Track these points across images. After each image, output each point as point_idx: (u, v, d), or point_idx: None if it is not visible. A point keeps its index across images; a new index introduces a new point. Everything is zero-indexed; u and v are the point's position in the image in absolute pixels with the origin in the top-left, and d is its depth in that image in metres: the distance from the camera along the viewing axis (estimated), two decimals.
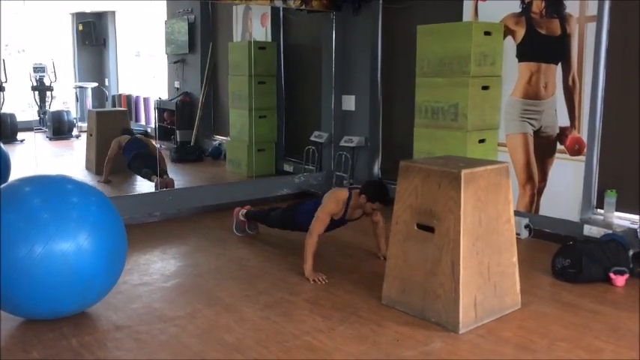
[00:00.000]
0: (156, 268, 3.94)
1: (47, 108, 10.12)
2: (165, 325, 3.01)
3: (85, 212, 2.92)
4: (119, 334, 2.92)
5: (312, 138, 6.44)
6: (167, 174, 6.22)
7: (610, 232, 4.03)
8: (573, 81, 4.30)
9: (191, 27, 8.37)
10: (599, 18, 4.12)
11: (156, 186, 5.80)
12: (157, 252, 4.31)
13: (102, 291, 3.05)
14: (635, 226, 3.99)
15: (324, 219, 3.75)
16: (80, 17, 10.96)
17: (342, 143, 6.13)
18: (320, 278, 3.64)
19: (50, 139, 9.56)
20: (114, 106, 9.65)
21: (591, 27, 4.17)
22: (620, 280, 3.54)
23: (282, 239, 4.58)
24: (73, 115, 10.11)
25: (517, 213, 4.47)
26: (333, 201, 3.81)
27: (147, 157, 6.24)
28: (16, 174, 5.20)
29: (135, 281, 3.67)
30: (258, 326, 3.02)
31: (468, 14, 4.95)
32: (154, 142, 7.26)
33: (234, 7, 7.64)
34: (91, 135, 7.13)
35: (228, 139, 7.48)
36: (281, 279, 3.70)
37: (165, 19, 8.96)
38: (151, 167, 6.08)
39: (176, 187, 5.98)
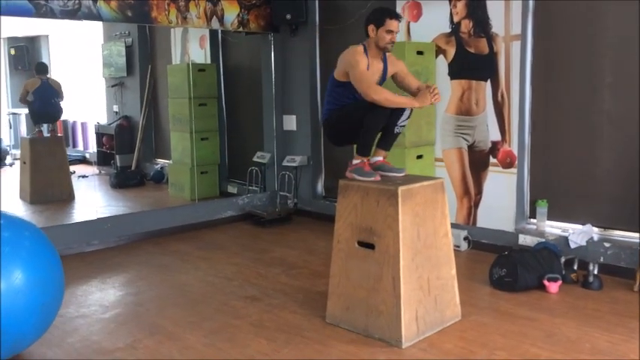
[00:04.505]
0: (94, 299, 3.82)
1: None
2: (103, 359, 2.91)
3: (18, 247, 2.79)
4: None
5: (255, 159, 6.43)
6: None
7: (543, 240, 4.20)
8: (502, 97, 4.49)
9: (129, 50, 8.24)
10: (523, 36, 4.33)
11: None
12: (95, 282, 4.18)
13: (38, 330, 2.89)
14: (566, 234, 4.18)
15: (363, 72, 3.08)
16: (12, 42, 10.62)
17: (285, 163, 6.15)
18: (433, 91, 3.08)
19: None
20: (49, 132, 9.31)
21: (516, 45, 4.37)
22: (553, 287, 3.68)
23: (226, 263, 4.54)
24: (6, 142, 9.73)
25: (456, 226, 4.60)
26: (351, 54, 3.14)
27: None
28: None
29: (71, 314, 3.54)
30: (201, 354, 2.97)
31: (401, 34, 5.10)
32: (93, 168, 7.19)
33: (172, 29, 7.58)
34: (24, 163, 6.88)
35: (170, 162, 7.37)
36: (225, 303, 3.66)
37: (102, 42, 8.79)
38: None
39: (116, 213, 5.83)
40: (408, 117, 3.21)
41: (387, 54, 3.28)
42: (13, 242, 2.79)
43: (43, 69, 6.46)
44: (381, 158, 3.34)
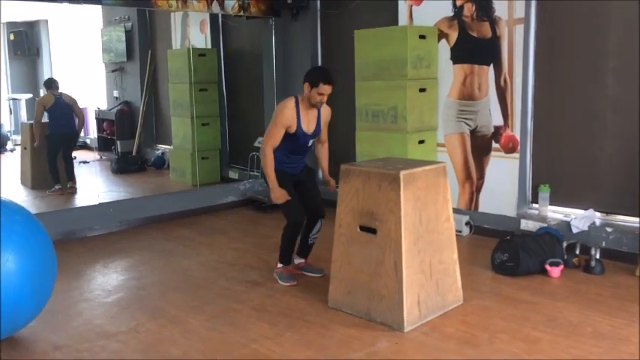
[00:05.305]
0: (97, 284, 3.83)
1: None
2: (106, 342, 2.93)
3: (9, 232, 2.79)
4: (58, 354, 2.82)
5: (257, 144, 6.40)
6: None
7: (545, 225, 4.20)
8: (505, 81, 4.46)
9: (129, 34, 8.18)
10: (526, 20, 4.30)
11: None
12: (98, 266, 4.19)
13: (31, 312, 2.92)
14: (568, 219, 4.17)
15: (273, 130, 3.52)
16: (11, 27, 10.55)
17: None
18: (283, 198, 3.54)
19: None
20: None
21: (519, 29, 4.34)
22: (555, 272, 3.69)
23: (227, 248, 4.54)
24: (7, 128, 9.71)
25: (457, 211, 4.60)
26: (280, 110, 3.55)
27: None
28: None
29: (75, 298, 3.55)
30: (204, 337, 2.98)
31: (403, 18, 5.06)
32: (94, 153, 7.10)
33: (172, 13, 7.53)
34: (25, 148, 6.86)
35: (171, 147, 7.35)
36: (227, 288, 3.67)
37: (102, 26, 8.73)
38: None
39: (118, 199, 5.84)
40: (318, 231, 3.80)
41: None
42: (4, 227, 2.79)
43: (53, 85, 6.17)
44: (303, 260, 3.93)
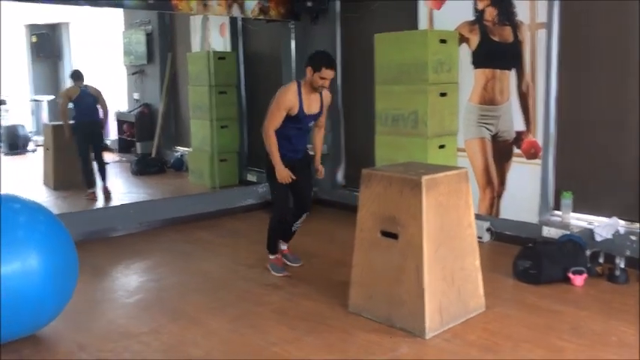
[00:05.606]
0: (119, 284, 3.86)
1: (1, 122, 9.84)
2: (129, 342, 2.95)
3: (33, 231, 2.84)
4: (82, 354, 2.85)
5: None
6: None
7: (567, 232, 4.15)
8: (527, 86, 4.42)
9: (149, 37, 8.27)
10: (549, 24, 4.26)
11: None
12: (119, 267, 4.23)
13: (53, 312, 2.95)
14: (592, 227, 4.12)
15: (275, 113, 3.65)
16: (34, 29, 10.71)
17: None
18: (287, 178, 3.70)
19: (5, 154, 9.29)
20: None
21: (542, 33, 4.30)
22: (578, 280, 3.64)
23: (246, 251, 4.55)
24: (29, 129, 9.85)
25: (478, 217, 4.55)
26: (283, 93, 3.67)
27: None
28: None
29: (97, 298, 3.58)
30: (225, 339, 2.99)
31: (424, 22, 5.04)
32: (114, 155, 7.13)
33: (192, 17, 7.58)
34: (47, 149, 6.95)
35: (190, 150, 7.40)
36: (247, 290, 3.68)
37: (123, 29, 8.83)
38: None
39: (137, 200, 5.88)
40: (302, 221, 3.99)
41: None
42: (27, 227, 2.84)
43: (79, 76, 6.21)
44: (285, 248, 4.15)
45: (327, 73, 3.60)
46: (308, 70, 3.63)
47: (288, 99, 3.64)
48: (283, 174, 3.70)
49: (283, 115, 3.65)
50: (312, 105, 3.74)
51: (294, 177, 3.72)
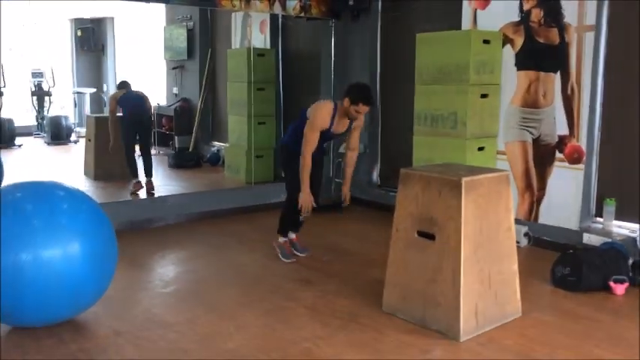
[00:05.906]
0: (155, 274, 3.93)
1: (45, 113, 10.14)
2: (164, 331, 2.99)
3: (75, 219, 2.90)
4: (119, 339, 2.90)
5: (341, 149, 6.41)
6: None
7: (609, 240, 4.03)
8: (572, 90, 4.32)
9: (190, 33, 8.39)
10: (597, 27, 4.15)
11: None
12: (156, 257, 4.30)
13: (92, 297, 3.02)
14: (635, 235, 4.00)
15: (310, 136, 3.77)
16: (79, 23, 11.00)
17: (342, 150, 6.11)
18: (309, 205, 3.82)
19: (48, 144, 9.56)
20: None
21: (589, 36, 4.19)
22: (619, 289, 3.54)
23: None
24: (72, 120, 10.12)
25: (516, 221, 4.45)
26: (319, 114, 3.79)
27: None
28: (12, 179, 5.18)
29: (134, 287, 3.65)
30: (257, 333, 3.01)
31: (467, 22, 4.98)
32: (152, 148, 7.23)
33: (233, 14, 7.66)
34: (89, 140, 7.12)
35: (227, 145, 7.48)
36: (279, 285, 3.69)
37: (165, 25, 8.98)
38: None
39: (174, 193, 5.97)
40: (307, 213, 3.94)
41: None
42: (70, 214, 2.91)
43: (125, 86, 6.43)
44: (294, 236, 4.28)
45: (363, 109, 3.72)
46: (345, 101, 3.72)
47: (323, 119, 3.78)
48: (307, 200, 3.81)
49: (318, 136, 3.79)
50: (340, 125, 3.88)
51: (315, 205, 3.86)
